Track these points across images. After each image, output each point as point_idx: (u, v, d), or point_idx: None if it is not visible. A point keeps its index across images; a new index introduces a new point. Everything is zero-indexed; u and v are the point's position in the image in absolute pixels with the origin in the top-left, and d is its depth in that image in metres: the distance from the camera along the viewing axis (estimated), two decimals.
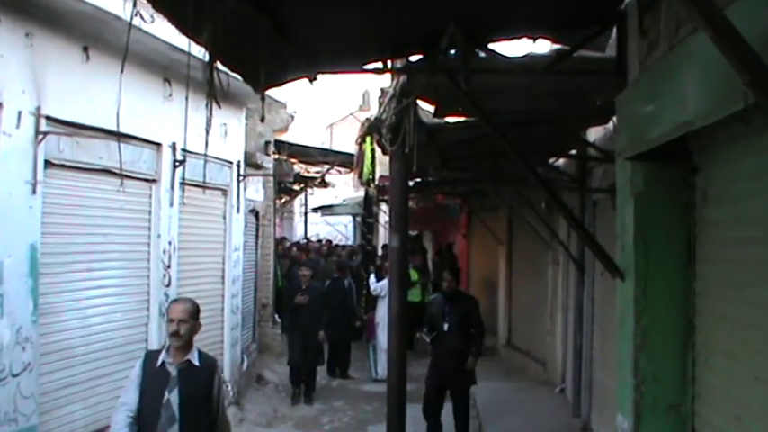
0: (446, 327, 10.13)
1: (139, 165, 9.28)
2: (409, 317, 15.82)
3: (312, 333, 13.12)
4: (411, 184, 11.97)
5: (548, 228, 11.26)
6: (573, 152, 10.35)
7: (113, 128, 7.73)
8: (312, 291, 13.37)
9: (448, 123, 8.63)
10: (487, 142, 7.68)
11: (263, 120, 12.58)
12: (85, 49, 7.97)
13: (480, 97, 5.79)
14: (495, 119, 6.12)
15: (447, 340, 10.07)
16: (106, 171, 8.37)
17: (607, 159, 8.21)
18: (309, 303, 13.09)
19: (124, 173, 8.56)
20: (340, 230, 35.58)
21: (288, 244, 22.02)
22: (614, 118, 6.64)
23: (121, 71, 5.03)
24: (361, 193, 25.04)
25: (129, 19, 3.74)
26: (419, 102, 7.73)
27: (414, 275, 16.25)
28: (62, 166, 7.80)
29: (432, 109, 7.98)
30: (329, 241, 27.15)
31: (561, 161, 11.38)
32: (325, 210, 32.17)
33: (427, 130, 8.32)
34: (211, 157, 11.24)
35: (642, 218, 4.35)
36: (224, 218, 12.32)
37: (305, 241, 27.49)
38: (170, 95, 9.72)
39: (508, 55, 6.07)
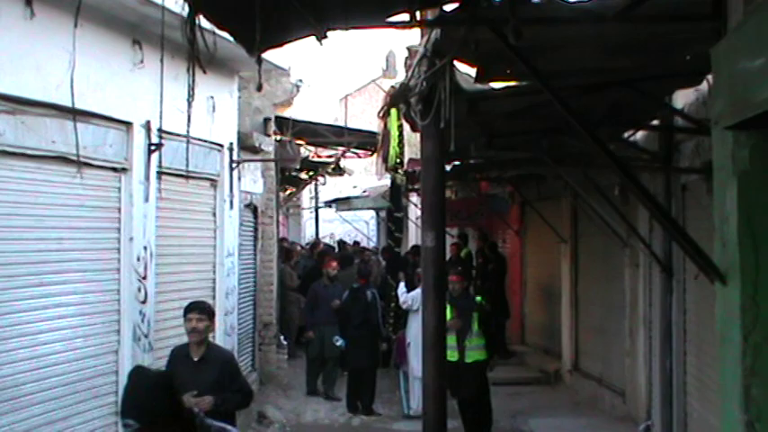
0: None
1: (104, 150, 9.26)
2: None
3: None
4: (448, 168, 11.92)
5: (623, 220, 11.16)
6: (655, 122, 10.27)
7: (69, 103, 7.76)
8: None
9: (493, 90, 8.58)
10: (545, 113, 7.62)
11: (260, 89, 12.58)
12: (29, 3, 7.91)
13: (534, 55, 5.71)
14: (553, 82, 6.05)
15: None
16: (61, 158, 8.37)
17: (700, 130, 8.14)
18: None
19: (84, 160, 8.54)
20: (360, 228, 35.61)
21: (298, 248, 21.98)
22: (709, 76, 6.54)
23: (75, 25, 4.96)
24: (387, 181, 25.06)
25: None
26: (456, 63, 7.66)
27: (449, 314, 11.73)
28: (3, 153, 7.79)
29: (473, 72, 7.91)
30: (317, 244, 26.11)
31: (640, 134, 11.31)
32: (341, 203, 32.24)
33: (467, 98, 8.27)
34: (196, 138, 11.23)
35: (748, 203, 4.25)
36: (214, 215, 12.35)
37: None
38: (141, 62, 9.71)
39: None
